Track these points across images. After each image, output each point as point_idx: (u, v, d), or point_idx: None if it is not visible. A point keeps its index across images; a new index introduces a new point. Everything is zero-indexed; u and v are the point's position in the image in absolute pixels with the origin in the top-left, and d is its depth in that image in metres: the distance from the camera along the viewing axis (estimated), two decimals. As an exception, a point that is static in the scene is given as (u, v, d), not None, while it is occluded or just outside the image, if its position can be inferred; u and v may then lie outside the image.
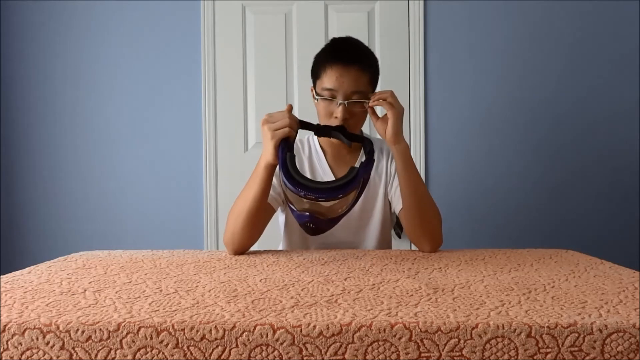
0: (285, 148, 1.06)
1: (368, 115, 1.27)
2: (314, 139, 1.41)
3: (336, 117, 1.23)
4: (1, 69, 2.28)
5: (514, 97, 2.19)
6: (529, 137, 2.19)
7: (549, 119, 2.18)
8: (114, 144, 2.27)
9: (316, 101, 1.30)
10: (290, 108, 1.14)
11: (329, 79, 1.24)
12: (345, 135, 1.21)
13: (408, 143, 2.17)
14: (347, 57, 1.24)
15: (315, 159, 1.38)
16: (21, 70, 2.28)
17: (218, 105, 2.24)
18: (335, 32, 2.13)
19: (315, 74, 1.30)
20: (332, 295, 0.75)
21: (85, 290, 0.79)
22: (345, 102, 1.22)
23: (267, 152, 1.09)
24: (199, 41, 2.23)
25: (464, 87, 2.19)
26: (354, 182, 1.02)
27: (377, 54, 2.22)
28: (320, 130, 1.22)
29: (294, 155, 1.05)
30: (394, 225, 1.53)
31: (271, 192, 1.27)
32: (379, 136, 1.31)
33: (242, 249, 1.19)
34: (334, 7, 2.22)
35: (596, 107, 2.17)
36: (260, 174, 1.13)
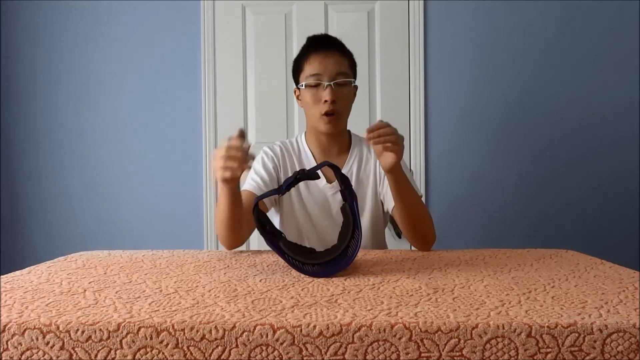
0: (272, 236, 0.93)
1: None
2: (302, 139, 1.42)
3: (325, 101, 1.26)
4: (1, 69, 2.28)
5: (514, 97, 2.19)
6: (529, 137, 2.19)
7: (549, 119, 2.18)
8: (113, 143, 2.27)
9: (299, 101, 1.35)
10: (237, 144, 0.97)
11: (311, 67, 1.28)
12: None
13: (408, 143, 2.18)
14: (325, 44, 1.31)
15: (305, 160, 1.39)
16: (21, 70, 2.28)
17: (218, 105, 2.24)
18: (335, 32, 2.12)
19: (298, 68, 1.34)
20: (332, 295, 0.75)
21: (85, 290, 0.79)
22: (332, 83, 1.25)
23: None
24: (199, 41, 2.23)
25: (464, 87, 2.19)
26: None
27: (377, 54, 2.26)
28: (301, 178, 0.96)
29: (286, 240, 0.93)
30: (387, 225, 1.52)
31: (265, 189, 1.27)
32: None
33: (235, 246, 1.19)
34: (334, 7, 2.21)
35: (597, 106, 2.17)
36: (220, 187, 1.06)
